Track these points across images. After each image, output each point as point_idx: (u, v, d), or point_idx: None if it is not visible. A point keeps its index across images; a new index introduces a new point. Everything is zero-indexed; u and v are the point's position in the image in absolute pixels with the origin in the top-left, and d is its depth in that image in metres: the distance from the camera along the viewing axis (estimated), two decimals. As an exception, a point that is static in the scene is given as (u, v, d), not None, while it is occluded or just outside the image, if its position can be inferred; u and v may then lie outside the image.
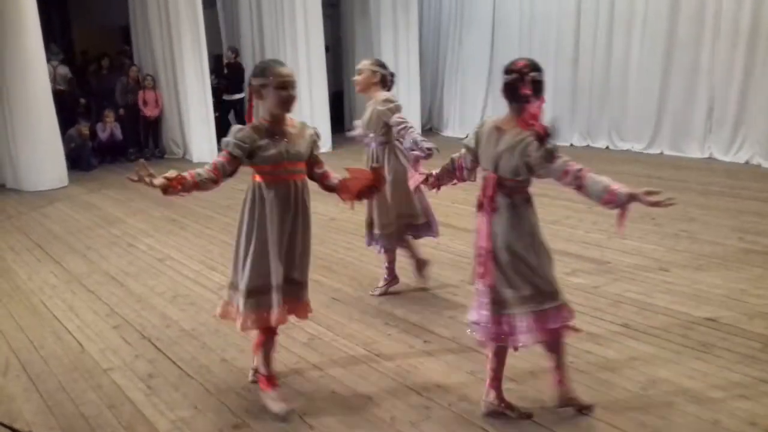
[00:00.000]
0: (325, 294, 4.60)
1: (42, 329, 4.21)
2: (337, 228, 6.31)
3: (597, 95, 10.31)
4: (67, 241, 6.27)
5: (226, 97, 11.38)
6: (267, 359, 3.15)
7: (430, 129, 13.05)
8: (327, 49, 11.85)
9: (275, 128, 2.98)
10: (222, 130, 11.10)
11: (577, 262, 5.04)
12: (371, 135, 4.31)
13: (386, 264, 4.56)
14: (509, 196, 2.86)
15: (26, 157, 8.71)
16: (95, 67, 11.82)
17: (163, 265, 5.41)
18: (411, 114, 11.83)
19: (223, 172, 2.96)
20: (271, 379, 3.17)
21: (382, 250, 4.46)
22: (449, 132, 12.49)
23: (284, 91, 2.91)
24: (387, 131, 4.29)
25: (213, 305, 4.45)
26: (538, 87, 2.72)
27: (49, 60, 9.48)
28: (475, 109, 12.08)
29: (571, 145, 10.47)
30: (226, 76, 11.39)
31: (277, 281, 2.96)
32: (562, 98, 10.52)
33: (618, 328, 3.87)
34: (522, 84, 2.68)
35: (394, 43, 11.90)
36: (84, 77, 11.60)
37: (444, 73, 12.80)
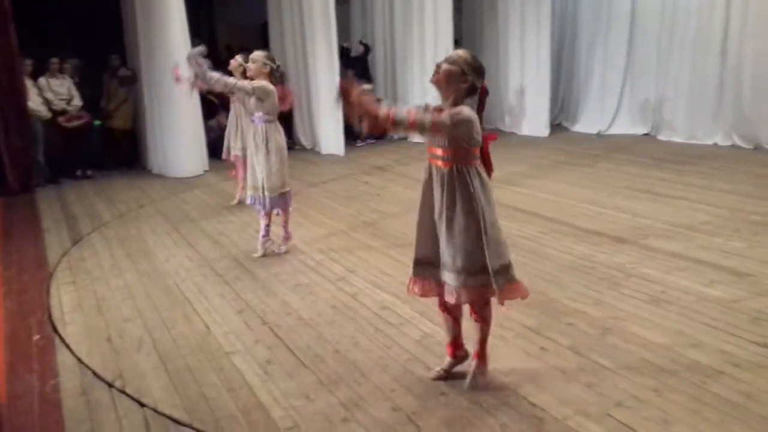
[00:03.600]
0: (441, 292, 4.56)
1: (174, 310, 4.47)
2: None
3: (745, 91, 9.48)
4: (202, 226, 6.63)
5: None
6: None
7: (559, 124, 12.62)
8: (456, 42, 11.74)
9: None
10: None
11: (715, 272, 4.66)
12: (258, 114, 5.33)
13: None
14: None
15: (172, 146, 9.31)
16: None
17: (288, 254, 5.59)
18: (538, 109, 11.51)
19: None
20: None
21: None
22: (579, 128, 12.00)
23: None
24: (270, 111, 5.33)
25: (331, 295, 4.58)
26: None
27: (192, 55, 10.06)
28: (610, 104, 11.52)
29: (715, 144, 9.71)
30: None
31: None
32: (706, 94, 9.81)
33: (758, 349, 3.53)
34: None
35: (521, 36, 11.59)
36: (226, 70, 12.17)
37: (578, 67, 12.30)
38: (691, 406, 3.01)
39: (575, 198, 7.02)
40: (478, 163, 3.13)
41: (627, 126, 11.31)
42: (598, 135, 11.38)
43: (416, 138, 11.57)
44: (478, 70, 3.09)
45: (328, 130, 10.65)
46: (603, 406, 3.06)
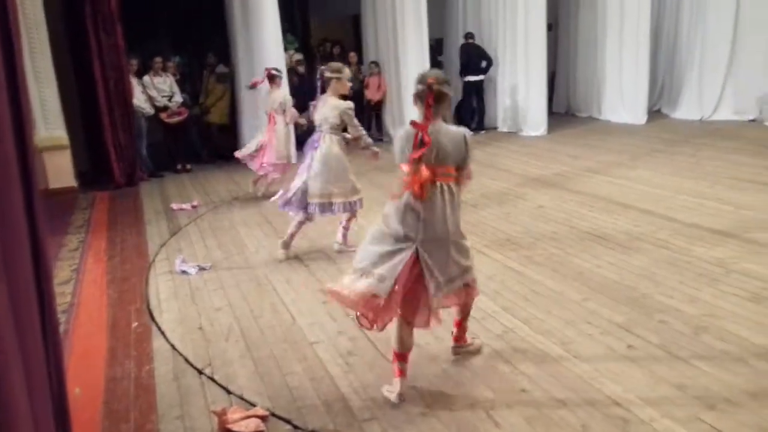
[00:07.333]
0: (525, 286, 4.47)
1: (262, 300, 4.61)
2: (544, 216, 6.09)
3: None
4: (292, 217, 6.77)
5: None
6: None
7: (658, 111, 12.05)
8: (549, 27, 11.43)
9: None
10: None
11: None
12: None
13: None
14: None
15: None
16: (327, 52, 12.55)
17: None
18: (636, 95, 11.05)
19: None
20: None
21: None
22: (680, 114, 11.40)
23: None
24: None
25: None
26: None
27: (285, 49, 10.32)
28: (714, 89, 10.86)
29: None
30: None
31: None
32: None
33: None
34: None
35: (620, 19, 11.12)
36: (313, 63, 12.38)
37: (679, 50, 11.67)
38: (792, 412, 2.82)
39: (673, 189, 6.69)
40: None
41: (732, 112, 10.66)
42: (701, 122, 10.78)
43: (507, 128, 11.41)
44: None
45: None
46: (694, 409, 2.91)
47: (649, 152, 8.68)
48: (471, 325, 3.92)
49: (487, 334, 3.80)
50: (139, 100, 9.22)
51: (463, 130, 3.17)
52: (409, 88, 10.32)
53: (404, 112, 10.95)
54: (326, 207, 5.35)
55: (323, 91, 5.32)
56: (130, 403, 3.31)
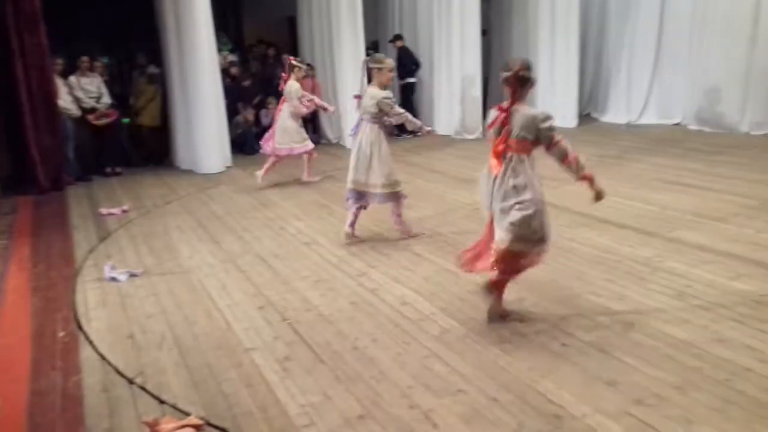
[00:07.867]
0: (461, 287, 4.52)
1: (196, 306, 4.51)
2: (479, 218, 6.15)
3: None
4: (226, 222, 6.68)
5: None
6: None
7: (588, 115, 12.42)
8: (483, 32, 11.62)
9: None
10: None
11: (743, 265, 4.55)
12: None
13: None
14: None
15: (198, 141, 9.39)
16: (263, 53, 12.38)
17: (309, 249, 5.60)
18: (567, 99, 11.36)
19: None
20: None
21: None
22: (608, 118, 11.81)
23: None
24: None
25: (351, 291, 4.57)
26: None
27: (219, 50, 10.15)
28: (640, 94, 11.30)
29: (747, 134, 9.47)
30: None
31: None
32: (737, 82, 9.56)
33: (787, 346, 3.43)
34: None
35: (551, 25, 11.42)
36: (248, 63, 12.20)
37: (606, 56, 12.09)
38: (715, 404, 2.94)
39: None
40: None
41: (657, 116, 11.11)
42: (628, 125, 11.18)
43: (443, 131, 11.55)
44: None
45: (353, 123, 10.63)
46: (623, 404, 3.00)
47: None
48: (408, 326, 3.97)
49: (424, 335, 3.82)
50: (65, 101, 8.89)
51: (535, 112, 3.74)
52: (346, 90, 10.51)
53: (341, 114, 10.93)
54: (360, 195, 5.54)
55: (369, 81, 5.51)
56: (56, 416, 3.17)
